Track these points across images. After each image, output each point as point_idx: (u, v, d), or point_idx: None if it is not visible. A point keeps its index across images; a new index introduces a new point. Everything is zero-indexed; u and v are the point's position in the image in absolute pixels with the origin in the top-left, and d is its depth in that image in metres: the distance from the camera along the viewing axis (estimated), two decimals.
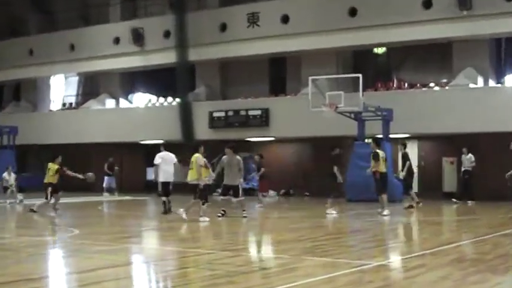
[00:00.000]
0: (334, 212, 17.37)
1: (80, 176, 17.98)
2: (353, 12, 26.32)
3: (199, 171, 15.56)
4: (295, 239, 11.96)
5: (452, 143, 25.57)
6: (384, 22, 25.52)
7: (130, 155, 32.57)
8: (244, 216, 16.17)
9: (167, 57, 29.18)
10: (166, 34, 30.23)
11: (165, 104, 32.32)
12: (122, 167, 30.30)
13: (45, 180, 17.62)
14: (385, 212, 16.72)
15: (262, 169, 21.35)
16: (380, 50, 29.11)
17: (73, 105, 36.32)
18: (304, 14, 27.33)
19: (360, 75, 22.66)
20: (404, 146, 19.79)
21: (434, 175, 26.58)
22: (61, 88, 37.64)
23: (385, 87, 27.61)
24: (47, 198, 17.51)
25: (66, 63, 33.52)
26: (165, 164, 17.50)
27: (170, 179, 17.51)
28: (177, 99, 30.66)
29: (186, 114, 28.50)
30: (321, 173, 26.15)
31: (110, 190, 28.24)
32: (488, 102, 24.07)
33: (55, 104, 37.23)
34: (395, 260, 9.78)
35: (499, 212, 18.67)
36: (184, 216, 15.27)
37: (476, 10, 24.07)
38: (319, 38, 26.88)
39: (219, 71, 31.99)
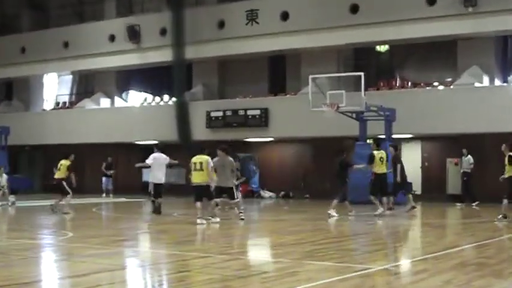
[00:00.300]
0: (335, 214, 16.93)
1: (73, 182, 18.67)
2: (354, 8, 25.94)
3: (210, 173, 15.28)
4: (295, 242, 11.76)
5: (456, 144, 25.02)
6: (386, 19, 25.14)
7: (125, 156, 31.94)
8: (242, 219, 15.83)
9: (164, 55, 28.75)
10: (163, 31, 29.76)
11: (161, 103, 31.98)
12: (117, 167, 29.91)
13: (56, 176, 18.36)
14: (378, 212, 16.75)
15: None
16: (382, 48, 28.65)
17: (67, 104, 35.90)
18: (305, 11, 26.93)
19: (362, 74, 22.33)
20: (395, 149, 18.90)
21: (438, 176, 26.12)
22: (54, 87, 37.20)
23: (388, 86, 27.29)
24: (67, 193, 18.18)
25: (59, 61, 33.03)
26: (158, 165, 17.63)
27: (162, 180, 17.75)
28: (174, 98, 30.14)
29: (182, 114, 27.93)
30: (321, 175, 25.96)
31: (107, 191, 28.01)
32: (494, 101, 23.69)
33: (48, 104, 36.78)
34: (398, 264, 9.68)
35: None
36: (215, 219, 15.28)
37: (482, 7, 23.66)
38: (319, 35, 26.46)
39: (216, 69, 31.52)
